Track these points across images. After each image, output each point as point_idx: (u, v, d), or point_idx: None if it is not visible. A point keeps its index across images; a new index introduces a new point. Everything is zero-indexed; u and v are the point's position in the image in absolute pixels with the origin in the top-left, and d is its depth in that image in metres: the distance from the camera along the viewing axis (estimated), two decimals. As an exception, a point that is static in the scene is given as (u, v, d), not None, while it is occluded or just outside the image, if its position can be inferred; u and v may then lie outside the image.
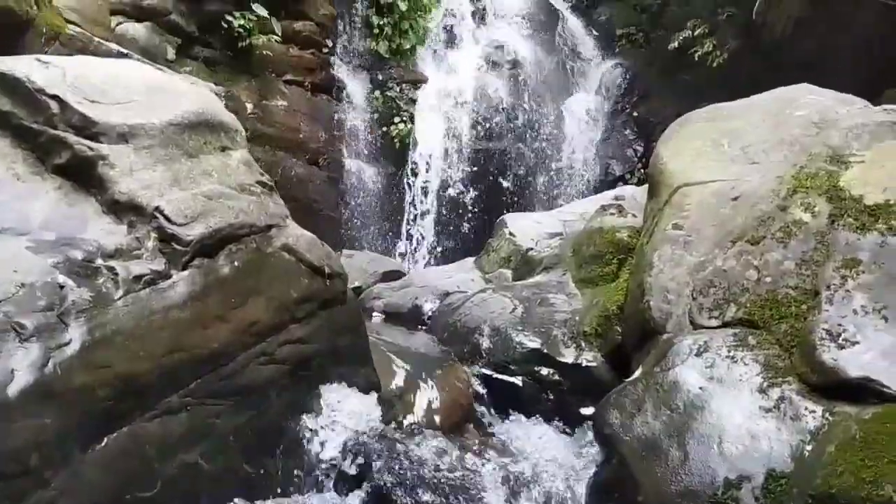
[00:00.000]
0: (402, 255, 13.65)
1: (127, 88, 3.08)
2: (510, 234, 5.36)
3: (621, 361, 3.83)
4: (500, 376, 4.01)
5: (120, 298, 2.58)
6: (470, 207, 14.09)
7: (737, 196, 3.68)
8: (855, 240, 3.16)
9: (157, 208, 2.76)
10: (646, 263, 3.67)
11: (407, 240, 13.81)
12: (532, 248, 5.13)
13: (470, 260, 5.60)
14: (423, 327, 4.81)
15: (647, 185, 5.36)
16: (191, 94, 3.28)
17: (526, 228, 5.39)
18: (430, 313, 4.91)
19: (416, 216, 13.90)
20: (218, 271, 2.88)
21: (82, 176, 2.86)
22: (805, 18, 12.11)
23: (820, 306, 3.04)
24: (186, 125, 3.08)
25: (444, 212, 14.04)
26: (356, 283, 6.48)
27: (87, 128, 2.87)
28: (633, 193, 5.33)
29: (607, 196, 5.51)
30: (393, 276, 6.60)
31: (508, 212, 14.42)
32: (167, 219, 2.76)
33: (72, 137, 2.86)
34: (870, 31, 11.63)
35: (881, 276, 3.02)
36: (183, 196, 2.88)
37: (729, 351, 3.10)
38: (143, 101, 3.05)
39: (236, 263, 2.95)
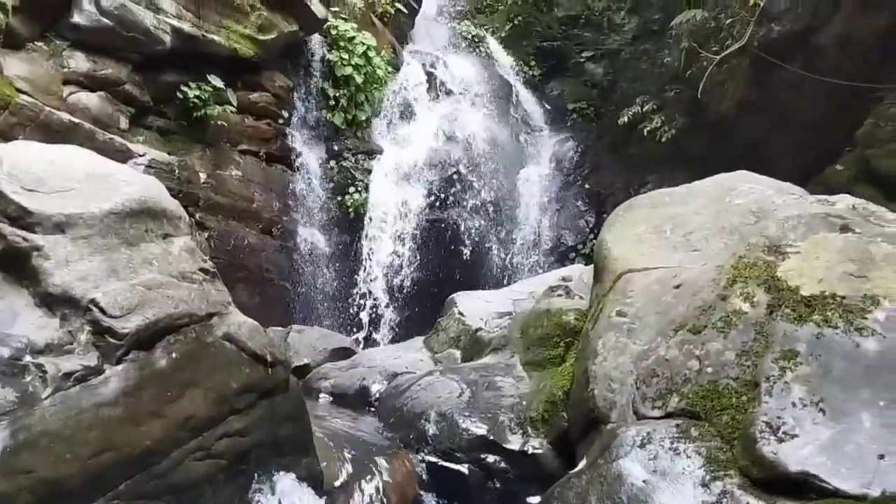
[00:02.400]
0: (355, 325, 13.58)
1: (67, 176, 3.04)
2: (459, 313, 5.35)
3: (567, 449, 3.81)
4: (446, 464, 3.95)
5: (47, 398, 2.49)
6: (423, 277, 14.11)
7: (679, 284, 3.73)
8: (793, 331, 3.21)
9: (92, 300, 2.70)
10: (590, 350, 3.68)
11: (360, 309, 13.76)
12: (481, 329, 5.12)
13: (419, 339, 5.56)
14: (371, 410, 4.74)
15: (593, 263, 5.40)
16: (133, 180, 3.24)
17: (475, 308, 5.38)
18: (377, 395, 4.84)
19: (369, 285, 13.88)
20: (154, 364, 2.81)
21: (15, 267, 2.79)
22: (748, 99, 12.57)
23: (760, 398, 3.06)
24: (127, 213, 3.04)
25: (398, 281, 14.06)
26: (305, 361, 6.40)
27: (23, 218, 2.81)
28: (581, 274, 5.38)
29: (555, 276, 5.54)
30: (342, 352, 6.53)
31: (462, 281, 14.52)
32: (102, 311, 2.70)
33: (6, 228, 2.79)
34: (811, 112, 12.11)
35: (818, 368, 3.06)
36: (120, 287, 2.82)
37: (672, 443, 3.10)
38: (82, 189, 3.01)
39: (174, 355, 2.88)
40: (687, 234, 4.12)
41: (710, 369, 3.27)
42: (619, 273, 3.99)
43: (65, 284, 2.71)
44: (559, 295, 4.81)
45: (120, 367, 2.69)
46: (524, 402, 4.12)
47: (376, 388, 4.91)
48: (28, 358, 2.52)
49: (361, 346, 13.35)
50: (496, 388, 4.31)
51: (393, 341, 13.60)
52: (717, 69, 12.03)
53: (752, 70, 12.36)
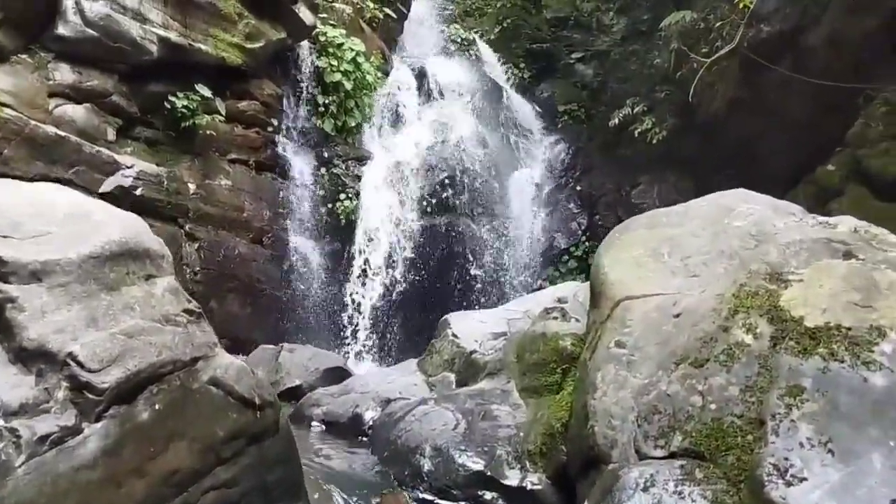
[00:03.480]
0: (347, 333, 13.46)
1: (43, 218, 2.91)
2: (453, 335, 5.24)
3: (566, 484, 3.70)
4: (442, 502, 3.83)
5: (21, 465, 2.37)
6: (416, 283, 14.01)
7: (679, 313, 3.63)
8: (798, 365, 3.12)
9: (69, 354, 2.57)
10: (589, 383, 3.58)
11: (352, 317, 13.65)
12: (476, 351, 5.01)
13: (413, 361, 5.44)
14: (364, 440, 4.62)
15: (589, 284, 5.32)
16: (113, 220, 3.12)
17: (469, 329, 5.27)
18: (370, 423, 4.72)
19: (361, 293, 13.77)
20: (136, 418, 2.68)
21: (-11, 321, 2.67)
22: (738, 99, 12.50)
23: (766, 438, 2.97)
24: (107, 257, 2.91)
25: (390, 287, 13.95)
26: (296, 382, 6.31)
27: (-3, 267, 2.69)
28: (576, 293, 5.27)
29: (550, 296, 5.43)
30: (335, 373, 6.42)
31: (454, 286, 14.42)
32: (80, 365, 2.57)
33: (-21, 279, 2.67)
34: (801, 112, 12.05)
35: (825, 406, 2.97)
36: (100, 337, 2.70)
37: (676, 486, 3.00)
38: (60, 233, 2.88)
39: (157, 406, 2.76)
40: (685, 257, 4.02)
41: (713, 406, 3.17)
42: (617, 300, 3.88)
43: (41, 338, 2.58)
44: (554, 317, 4.70)
45: (99, 424, 2.57)
46: (521, 434, 4.01)
47: (369, 415, 4.79)
48: (1, 422, 2.40)
49: (353, 354, 13.29)
50: (492, 418, 4.20)
51: (385, 348, 13.51)
52: (707, 70, 11.96)
53: (742, 71, 12.29)
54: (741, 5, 11.18)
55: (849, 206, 12.34)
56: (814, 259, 3.54)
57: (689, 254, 4.03)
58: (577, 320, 4.65)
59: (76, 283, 2.78)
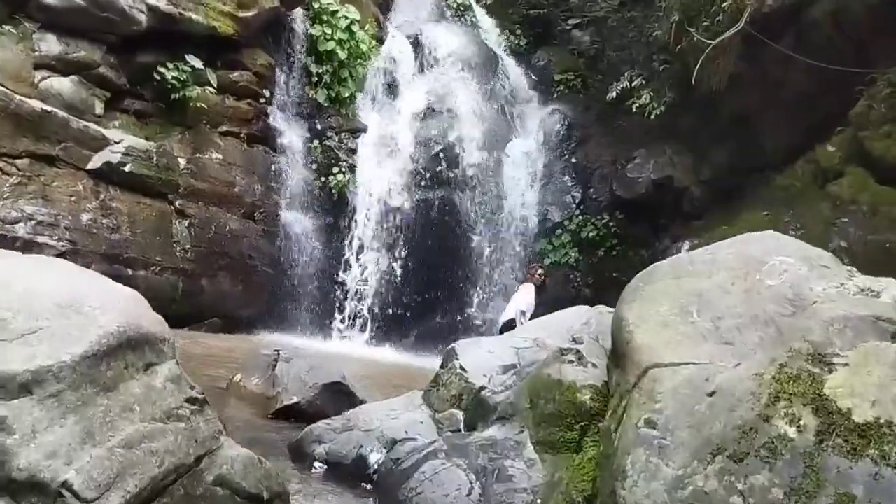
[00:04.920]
0: (339, 309, 13.30)
1: (34, 312, 2.62)
2: (461, 368, 5.00)
3: (589, 565, 3.54)
4: (458, 581, 3.66)
5: None
6: (409, 256, 13.82)
7: (713, 391, 3.41)
8: (847, 468, 2.92)
9: (63, 483, 2.32)
10: (618, 469, 3.37)
11: (345, 292, 13.47)
12: (485, 388, 4.78)
13: (418, 394, 5.20)
14: (369, 486, 4.43)
15: (605, 310, 5.13)
16: (109, 305, 2.82)
17: (477, 361, 5.03)
18: (375, 467, 4.51)
19: (355, 268, 13.58)
20: (139, 547, 2.46)
21: (-25, 447, 2.40)
22: (739, 75, 12.19)
23: (814, 556, 2.78)
24: (104, 353, 2.63)
25: (384, 262, 13.76)
26: (294, 399, 6.11)
27: (-17, 382, 2.42)
28: (588, 321, 5.03)
29: (558, 324, 5.19)
30: (333, 388, 6.18)
31: (448, 259, 14.21)
32: (76, 496, 2.32)
33: (-37, 398, 2.40)
34: (800, 89, 11.81)
35: (878, 521, 2.78)
36: (97, 455, 2.44)
37: None
38: (52, 328, 2.60)
39: (161, 526, 2.54)
40: (716, 318, 3.78)
41: (754, 510, 2.97)
42: (645, 367, 3.64)
43: (31, 467, 2.32)
44: (570, 361, 4.46)
45: (100, 564, 2.34)
46: (539, 501, 3.82)
47: (374, 458, 4.58)
48: (-9, 583, 2.16)
49: (345, 332, 13.13)
50: (507, 478, 4.00)
51: (378, 324, 13.35)
52: (707, 43, 11.64)
53: (744, 45, 11.96)
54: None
55: (849, 188, 12.16)
56: (859, 340, 3.32)
57: (720, 314, 3.79)
58: (594, 366, 4.42)
59: (70, 391, 2.51)
